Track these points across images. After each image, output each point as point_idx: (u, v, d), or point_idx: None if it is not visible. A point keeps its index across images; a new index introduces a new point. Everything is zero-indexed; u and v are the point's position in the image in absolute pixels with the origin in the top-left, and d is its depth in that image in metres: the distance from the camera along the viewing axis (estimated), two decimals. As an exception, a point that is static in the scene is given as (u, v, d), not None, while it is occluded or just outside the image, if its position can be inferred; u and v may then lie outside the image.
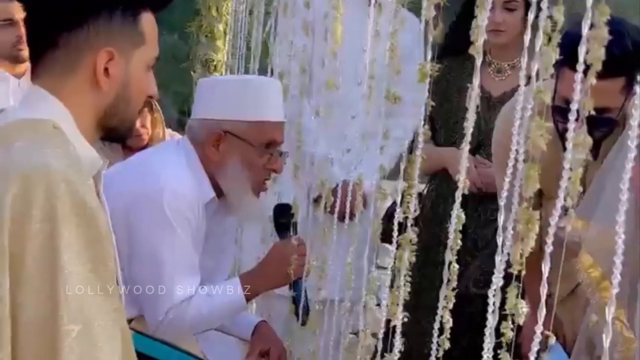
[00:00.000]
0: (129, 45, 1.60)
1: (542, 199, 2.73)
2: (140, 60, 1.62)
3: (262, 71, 3.77)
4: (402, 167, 2.05)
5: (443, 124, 3.36)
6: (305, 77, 3.00)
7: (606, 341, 1.31)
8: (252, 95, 2.62)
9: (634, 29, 2.38)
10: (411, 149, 3.39)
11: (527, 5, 3.11)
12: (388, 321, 3.34)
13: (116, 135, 1.69)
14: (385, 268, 3.88)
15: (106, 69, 1.57)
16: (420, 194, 3.64)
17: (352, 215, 2.96)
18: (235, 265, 3.30)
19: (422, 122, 3.32)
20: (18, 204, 1.42)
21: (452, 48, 3.00)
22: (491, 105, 3.24)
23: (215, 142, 2.58)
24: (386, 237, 2.36)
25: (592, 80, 1.26)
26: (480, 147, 3.25)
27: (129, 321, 2.48)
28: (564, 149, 1.37)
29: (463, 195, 2.57)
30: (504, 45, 3.28)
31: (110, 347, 1.46)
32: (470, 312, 2.78)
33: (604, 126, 2.36)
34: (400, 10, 2.11)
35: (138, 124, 3.76)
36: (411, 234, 1.87)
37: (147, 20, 1.63)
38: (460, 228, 1.76)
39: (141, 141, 3.84)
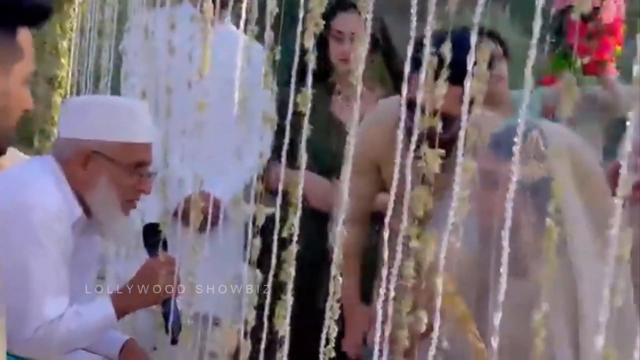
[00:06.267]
0: (8, 59, 1.61)
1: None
2: (18, 74, 1.64)
3: (115, 90, 3.80)
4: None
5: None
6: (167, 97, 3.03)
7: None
8: (122, 117, 2.65)
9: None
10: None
11: (375, 38, 3.38)
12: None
13: None
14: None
15: None
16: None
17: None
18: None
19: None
20: None
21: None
22: (342, 131, 3.38)
23: (83, 162, 2.59)
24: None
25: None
26: (334, 170, 3.40)
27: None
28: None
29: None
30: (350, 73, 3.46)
31: None
32: None
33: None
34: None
35: None
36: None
37: (24, 36, 1.64)
38: None
39: None
